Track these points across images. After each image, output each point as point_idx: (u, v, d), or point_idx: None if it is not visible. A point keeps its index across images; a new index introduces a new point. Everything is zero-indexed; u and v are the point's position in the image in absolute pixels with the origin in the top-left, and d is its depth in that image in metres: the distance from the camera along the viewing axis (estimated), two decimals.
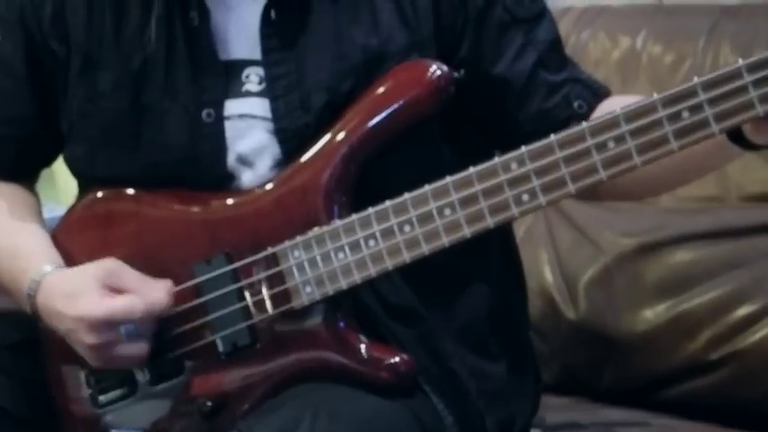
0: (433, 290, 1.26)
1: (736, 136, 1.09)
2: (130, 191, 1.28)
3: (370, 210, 1.17)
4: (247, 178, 1.25)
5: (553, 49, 1.27)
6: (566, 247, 1.72)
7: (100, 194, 1.31)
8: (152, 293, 1.21)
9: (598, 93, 1.27)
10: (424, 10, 1.23)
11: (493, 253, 1.31)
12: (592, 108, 1.25)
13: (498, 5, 1.24)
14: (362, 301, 1.23)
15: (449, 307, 1.27)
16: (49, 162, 1.42)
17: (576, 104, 1.24)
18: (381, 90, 1.20)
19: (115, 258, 1.24)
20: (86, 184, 1.34)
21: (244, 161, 1.25)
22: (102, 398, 1.29)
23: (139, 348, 1.22)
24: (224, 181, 1.25)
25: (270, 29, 1.24)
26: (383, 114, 1.20)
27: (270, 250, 1.20)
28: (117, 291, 1.22)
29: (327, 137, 1.21)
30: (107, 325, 1.19)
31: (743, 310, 1.56)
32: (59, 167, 1.43)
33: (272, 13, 1.23)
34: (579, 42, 1.86)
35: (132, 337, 1.21)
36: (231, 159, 1.25)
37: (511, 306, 1.34)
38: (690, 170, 1.22)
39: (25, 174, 1.41)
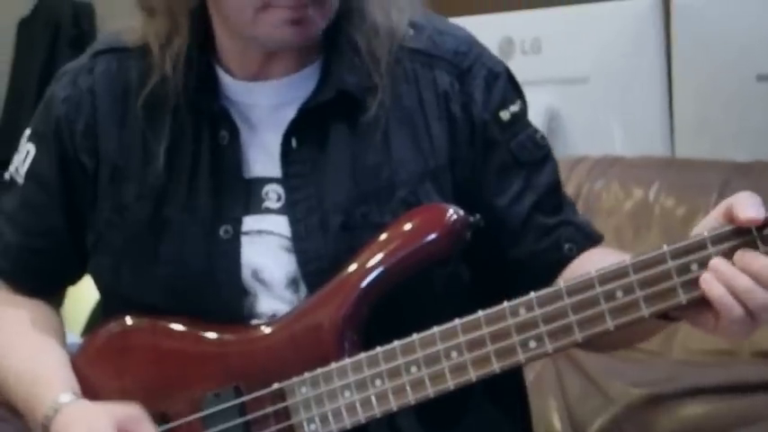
0: None
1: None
2: (149, 321, 1.29)
3: (379, 349, 1.18)
4: (263, 297, 1.26)
5: (552, 192, 1.29)
6: (575, 395, 1.71)
7: (119, 323, 1.32)
8: None
9: (590, 237, 1.28)
10: (439, 139, 1.26)
11: (500, 400, 1.30)
12: (582, 251, 1.26)
13: (503, 147, 1.27)
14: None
15: None
16: (74, 280, 1.42)
17: (566, 247, 1.26)
18: (398, 232, 1.22)
19: (138, 405, 1.24)
20: (110, 301, 1.35)
21: (258, 277, 1.26)
22: None
23: None
24: (240, 297, 1.26)
25: (290, 155, 1.27)
26: (398, 257, 1.21)
27: (277, 386, 1.20)
28: None
29: (343, 275, 1.22)
30: None
31: None
32: (70, 293, 1.44)
33: (293, 142, 1.27)
34: (593, 191, 1.89)
35: None
36: (246, 275, 1.26)
37: None
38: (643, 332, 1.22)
39: (52, 291, 1.42)
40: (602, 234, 1.30)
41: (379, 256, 1.21)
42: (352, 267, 1.22)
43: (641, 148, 2.06)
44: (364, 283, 1.21)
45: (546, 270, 1.22)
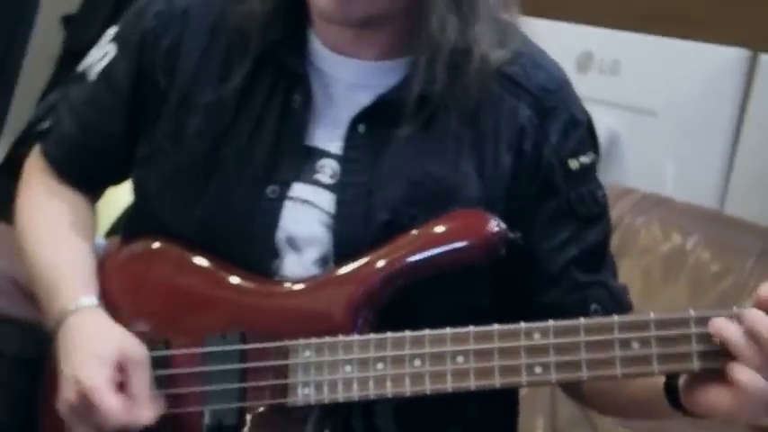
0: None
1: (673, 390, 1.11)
2: (178, 250, 1.30)
3: (389, 334, 1.18)
4: (291, 261, 1.26)
5: (596, 251, 1.29)
6: (564, 420, 1.72)
7: (149, 243, 1.33)
8: (140, 416, 1.21)
9: (620, 304, 1.28)
10: (503, 170, 1.25)
11: (490, 411, 1.31)
12: (607, 314, 1.23)
13: (563, 195, 1.27)
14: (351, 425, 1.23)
15: None
16: (117, 183, 1.44)
17: (592, 308, 1.26)
18: (438, 229, 1.22)
19: (145, 352, 1.25)
20: (142, 216, 1.35)
21: (292, 243, 1.26)
22: None
23: None
24: (269, 256, 1.26)
25: (355, 138, 1.26)
26: (432, 252, 1.21)
27: (282, 343, 1.21)
28: (123, 381, 1.22)
29: (374, 255, 1.22)
30: (89, 405, 1.20)
31: None
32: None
33: (361, 127, 1.26)
34: (632, 226, 1.89)
35: (97, 428, 1.21)
36: (281, 238, 1.26)
37: None
38: (634, 407, 1.22)
39: (94, 188, 1.43)
40: (632, 303, 1.29)
41: (413, 247, 1.22)
42: (384, 250, 1.22)
43: (692, 193, 2.04)
44: (392, 268, 1.22)
45: None
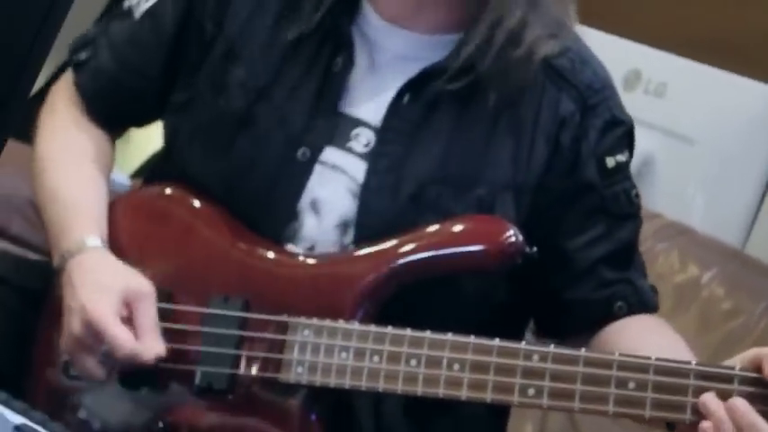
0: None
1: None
2: (197, 202, 1.30)
3: (389, 329, 1.18)
4: (310, 224, 1.26)
5: (626, 249, 1.28)
6: (553, 429, 1.72)
7: (169, 189, 1.33)
8: (147, 348, 1.20)
9: (646, 304, 1.28)
10: (537, 159, 1.25)
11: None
12: (632, 313, 1.26)
13: (597, 191, 1.26)
14: (357, 414, 1.24)
15: None
16: (142, 125, 1.44)
17: (616, 305, 1.26)
18: (455, 229, 1.22)
19: (152, 287, 1.24)
20: (170, 162, 1.35)
21: (315, 207, 1.26)
22: (73, 369, 1.28)
23: (100, 372, 1.22)
24: (289, 219, 1.26)
25: (398, 109, 1.26)
26: (445, 252, 1.21)
27: (284, 317, 1.21)
28: (130, 315, 1.22)
29: (387, 245, 1.22)
30: (96, 334, 1.20)
31: None
32: (135, 135, 1.45)
33: (406, 97, 1.26)
34: (652, 251, 1.88)
35: (104, 361, 1.21)
36: (304, 201, 1.26)
37: None
38: None
39: (119, 127, 1.43)
40: (658, 304, 1.29)
41: (427, 243, 1.22)
42: (398, 241, 1.22)
43: (717, 228, 2.03)
44: (402, 261, 1.21)
45: (589, 320, 1.22)
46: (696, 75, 2.22)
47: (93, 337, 1.20)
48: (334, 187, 1.26)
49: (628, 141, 1.30)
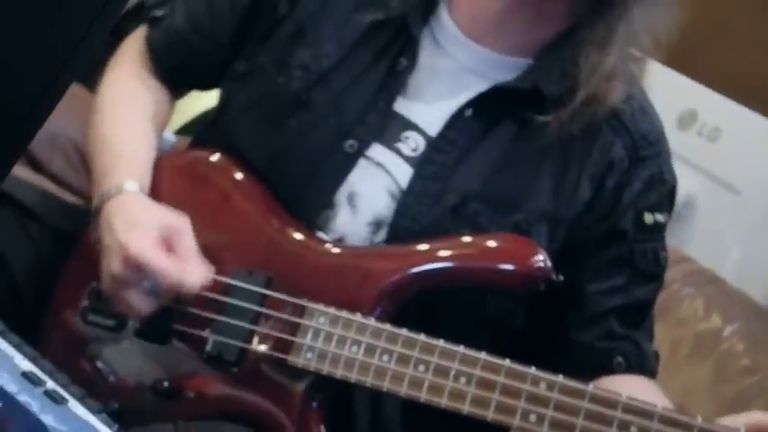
0: None
1: None
2: (239, 174, 1.31)
3: (404, 330, 1.18)
4: (344, 217, 1.26)
5: (640, 308, 1.29)
6: None
7: (214, 155, 1.34)
8: (192, 275, 1.22)
9: (645, 367, 1.28)
10: (578, 197, 1.26)
11: None
12: (629, 372, 1.26)
13: (628, 244, 1.27)
14: (355, 407, 1.25)
15: None
16: (203, 88, 1.45)
17: (616, 360, 1.26)
18: (488, 244, 1.22)
19: (188, 220, 1.25)
20: (218, 127, 1.36)
21: (351, 201, 1.27)
22: (91, 316, 1.31)
23: (145, 305, 1.23)
24: (324, 208, 1.27)
25: (458, 121, 1.26)
26: (473, 265, 1.22)
27: (303, 301, 1.22)
28: (169, 248, 1.23)
29: (416, 247, 1.23)
30: (138, 268, 1.21)
31: None
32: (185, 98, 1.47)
33: (468, 111, 1.26)
34: (678, 294, 1.87)
35: (149, 293, 1.22)
36: (342, 192, 1.27)
37: None
38: None
39: (179, 87, 1.44)
40: (656, 370, 1.29)
41: (458, 253, 1.22)
42: (430, 246, 1.22)
43: (747, 282, 2.02)
44: (427, 267, 1.22)
45: (588, 366, 1.22)
46: (751, 124, 2.20)
47: (135, 272, 1.20)
48: (374, 184, 1.26)
49: (669, 202, 1.31)
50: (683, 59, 2.22)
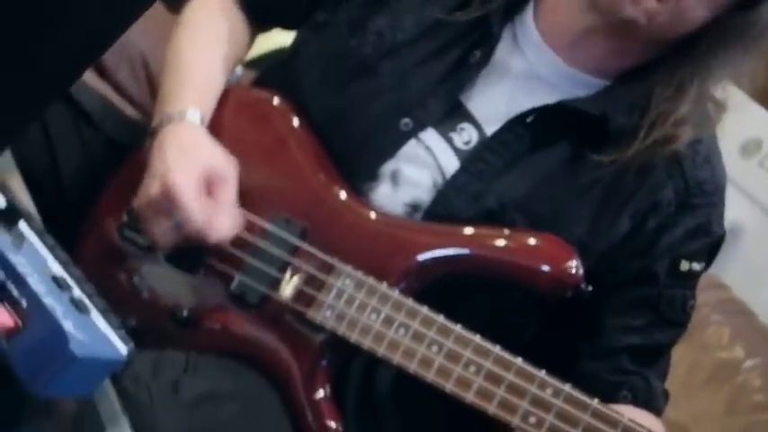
0: None
1: None
2: (297, 122, 1.32)
3: (424, 309, 1.19)
4: (383, 192, 1.27)
5: (656, 351, 1.28)
6: None
7: (278, 99, 1.34)
8: (219, 227, 1.23)
9: (650, 403, 1.27)
10: (615, 232, 1.24)
11: None
12: (635, 405, 1.25)
13: (657, 288, 1.25)
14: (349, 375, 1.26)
15: None
16: (286, 27, 1.45)
17: (622, 393, 1.25)
18: (528, 240, 1.22)
19: (236, 168, 1.26)
20: (286, 68, 1.36)
21: (394, 178, 1.27)
22: (127, 232, 1.33)
23: (169, 237, 1.24)
24: (368, 178, 1.27)
25: (515, 125, 1.25)
26: (506, 258, 1.22)
27: (333, 260, 1.23)
28: (209, 192, 1.24)
29: (457, 229, 1.23)
30: (171, 200, 1.22)
31: None
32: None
33: (530, 118, 1.25)
34: (705, 320, 1.86)
35: (174, 228, 1.23)
36: (387, 167, 1.27)
37: None
38: None
39: (263, 23, 1.44)
40: (663, 408, 1.28)
41: (494, 244, 1.22)
42: (467, 230, 1.22)
43: None
44: (463, 251, 1.22)
45: (590, 393, 1.21)
46: None
47: (169, 203, 1.22)
48: (419, 168, 1.26)
49: (710, 253, 1.28)
50: (757, 87, 2.19)
